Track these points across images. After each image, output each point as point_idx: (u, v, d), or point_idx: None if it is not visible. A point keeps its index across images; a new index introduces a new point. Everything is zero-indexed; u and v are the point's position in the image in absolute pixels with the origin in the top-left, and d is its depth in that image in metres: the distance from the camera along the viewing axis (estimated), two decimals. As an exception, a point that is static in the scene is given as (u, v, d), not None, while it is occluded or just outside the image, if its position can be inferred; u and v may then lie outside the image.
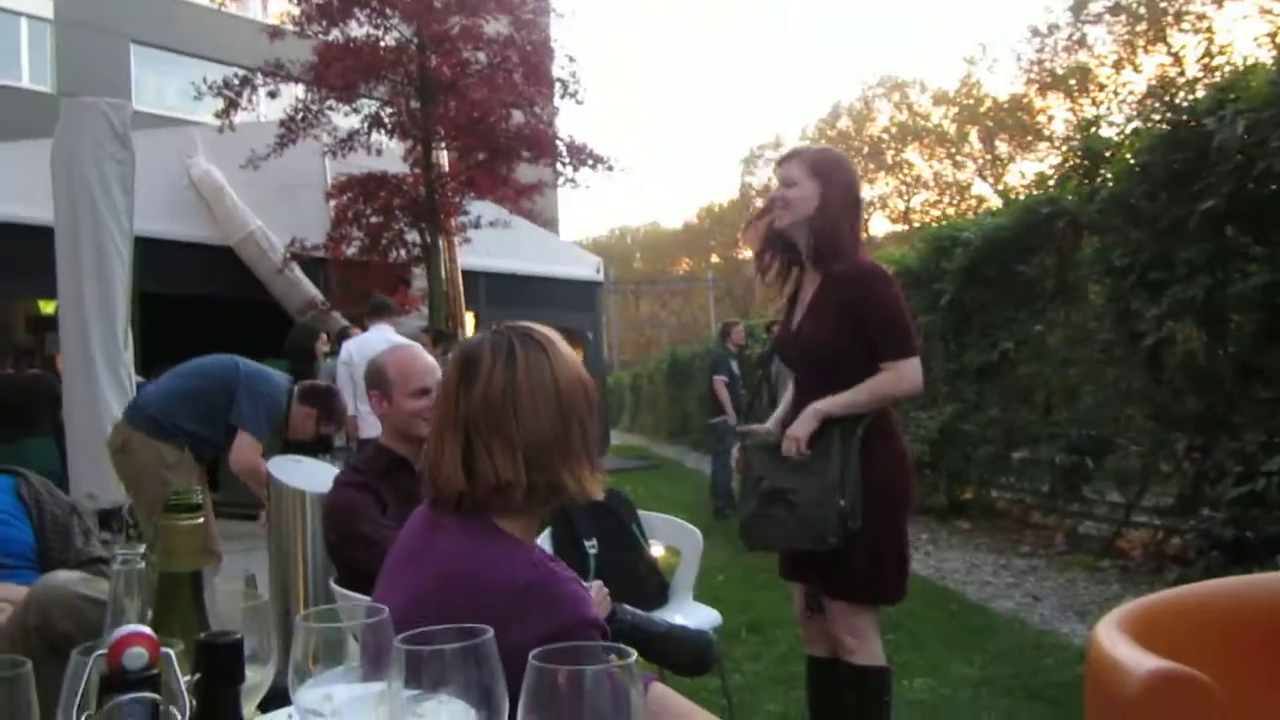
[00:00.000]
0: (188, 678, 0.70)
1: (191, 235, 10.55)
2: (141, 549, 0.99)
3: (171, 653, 0.69)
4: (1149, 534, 6.19)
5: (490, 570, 1.32)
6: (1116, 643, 1.43)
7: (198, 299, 11.15)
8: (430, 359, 2.80)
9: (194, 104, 12.58)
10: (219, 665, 0.71)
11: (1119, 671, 1.33)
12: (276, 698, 1.19)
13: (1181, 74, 5.89)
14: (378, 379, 2.69)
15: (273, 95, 10.80)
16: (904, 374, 2.59)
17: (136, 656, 0.62)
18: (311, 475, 3.50)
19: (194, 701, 0.70)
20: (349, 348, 6.26)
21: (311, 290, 10.82)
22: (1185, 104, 5.44)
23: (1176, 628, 1.56)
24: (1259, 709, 1.51)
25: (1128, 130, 6.08)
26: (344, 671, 0.93)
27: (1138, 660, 1.33)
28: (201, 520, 0.89)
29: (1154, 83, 5.97)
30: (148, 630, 0.64)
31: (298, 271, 10.76)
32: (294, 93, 10.91)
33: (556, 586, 1.32)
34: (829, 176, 2.68)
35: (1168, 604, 1.66)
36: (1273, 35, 5.17)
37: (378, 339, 5.75)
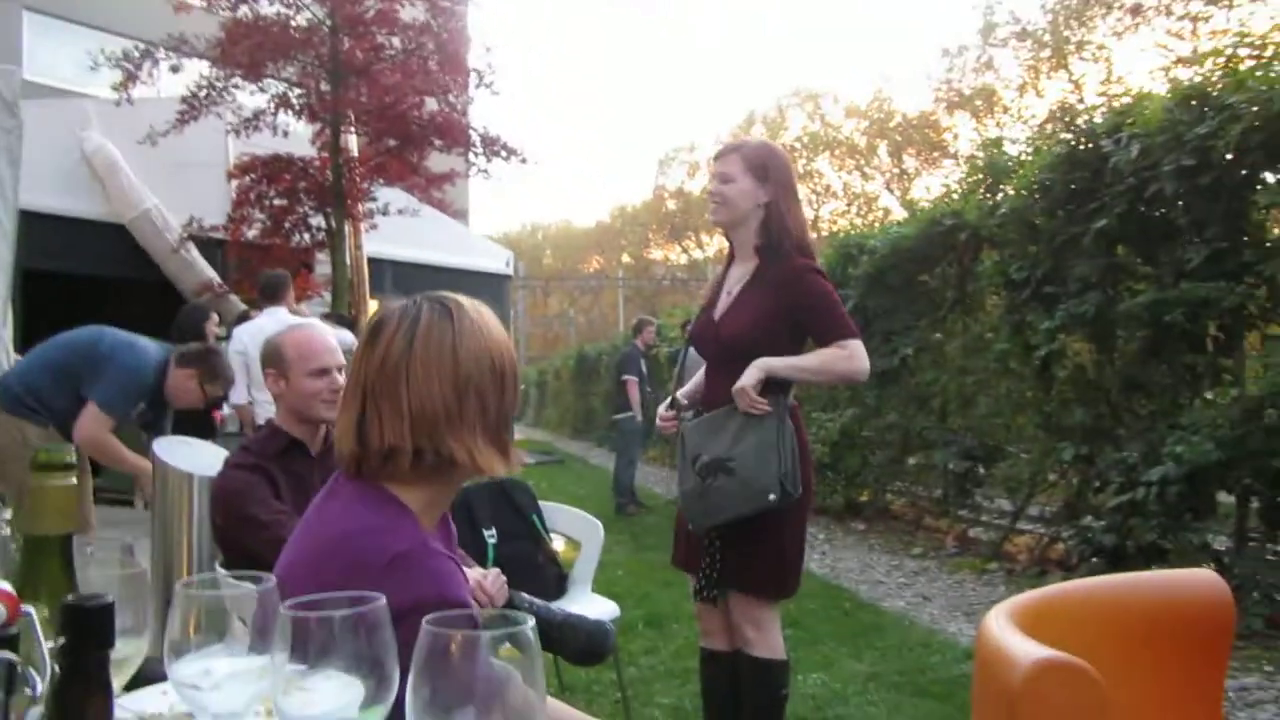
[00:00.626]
0: (51, 643, 0.65)
1: (82, 211, 10.09)
2: (6, 514, 0.92)
3: (33, 612, 0.64)
4: (1034, 539, 6.41)
5: (366, 537, 1.30)
6: (1005, 632, 1.46)
7: (86, 278, 10.65)
8: (331, 339, 2.71)
9: (89, 76, 12.03)
10: (86, 629, 0.66)
11: (1007, 659, 1.36)
12: (151, 680, 1.13)
13: (1081, 101, 6.10)
14: (274, 358, 2.59)
15: (175, 70, 10.38)
16: (856, 353, 2.62)
17: (-9, 613, 0.57)
18: (200, 457, 3.36)
19: (57, 667, 0.65)
20: (241, 334, 5.99)
21: (208, 272, 10.45)
22: (1085, 126, 5.65)
23: (1062, 620, 1.60)
24: (1137, 697, 1.57)
25: (1030, 148, 6.29)
26: (226, 644, 0.88)
27: (1025, 649, 1.36)
28: (74, 481, 0.83)
29: (1055, 108, 6.16)
30: (6, 586, 0.59)
31: (194, 252, 10.38)
32: (198, 69, 10.52)
33: (426, 560, 1.28)
34: (767, 172, 2.69)
35: (1054, 598, 1.71)
36: (1166, 69, 5.38)
37: (271, 324, 5.53)
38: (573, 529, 3.64)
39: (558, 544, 3.63)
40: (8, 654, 0.56)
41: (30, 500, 0.81)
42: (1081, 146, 5.54)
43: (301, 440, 2.57)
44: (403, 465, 1.34)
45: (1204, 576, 1.78)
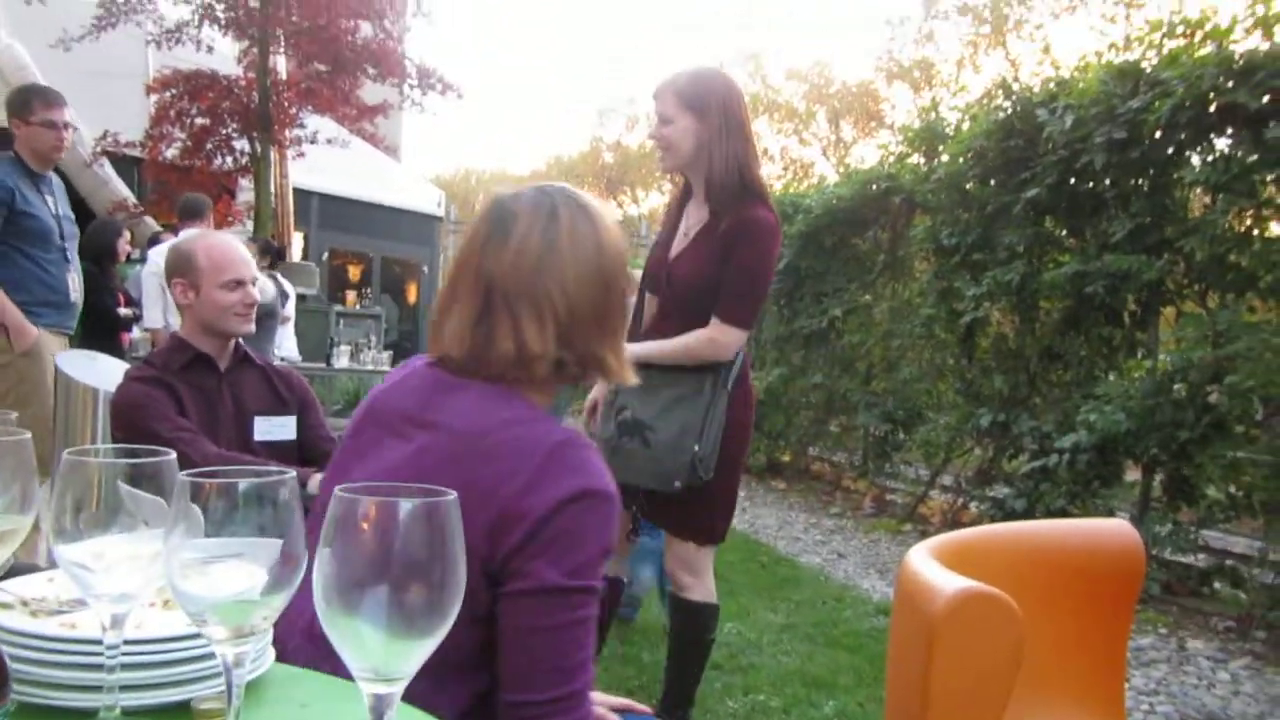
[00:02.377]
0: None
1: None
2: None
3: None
4: (948, 503, 6.55)
5: (519, 427, 1.20)
6: (927, 566, 1.45)
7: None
8: (246, 251, 2.57)
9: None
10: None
11: (928, 590, 1.36)
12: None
13: (1016, 79, 6.15)
14: (184, 266, 2.43)
15: (93, -28, 9.88)
16: (722, 342, 2.51)
17: None
18: (105, 373, 3.22)
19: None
20: (156, 255, 5.77)
21: (123, 190, 10.04)
22: (1022, 95, 5.70)
23: (981, 559, 1.61)
24: (1049, 635, 1.59)
25: (968, 114, 6.33)
26: (121, 524, 0.81)
27: (946, 580, 1.36)
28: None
29: (992, 83, 6.23)
30: None
31: (108, 169, 9.95)
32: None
33: (584, 449, 1.22)
34: (705, 104, 2.50)
35: (975, 539, 1.72)
36: (1100, 54, 5.46)
37: None
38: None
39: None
40: None
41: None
42: (1017, 115, 5.59)
43: (209, 354, 2.45)
44: (539, 372, 1.25)
45: (1117, 525, 1.81)
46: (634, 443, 2.54)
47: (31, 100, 3.71)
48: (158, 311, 5.71)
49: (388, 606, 0.68)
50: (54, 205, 3.78)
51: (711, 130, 2.52)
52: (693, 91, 2.53)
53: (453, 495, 0.69)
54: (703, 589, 2.66)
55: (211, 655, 0.83)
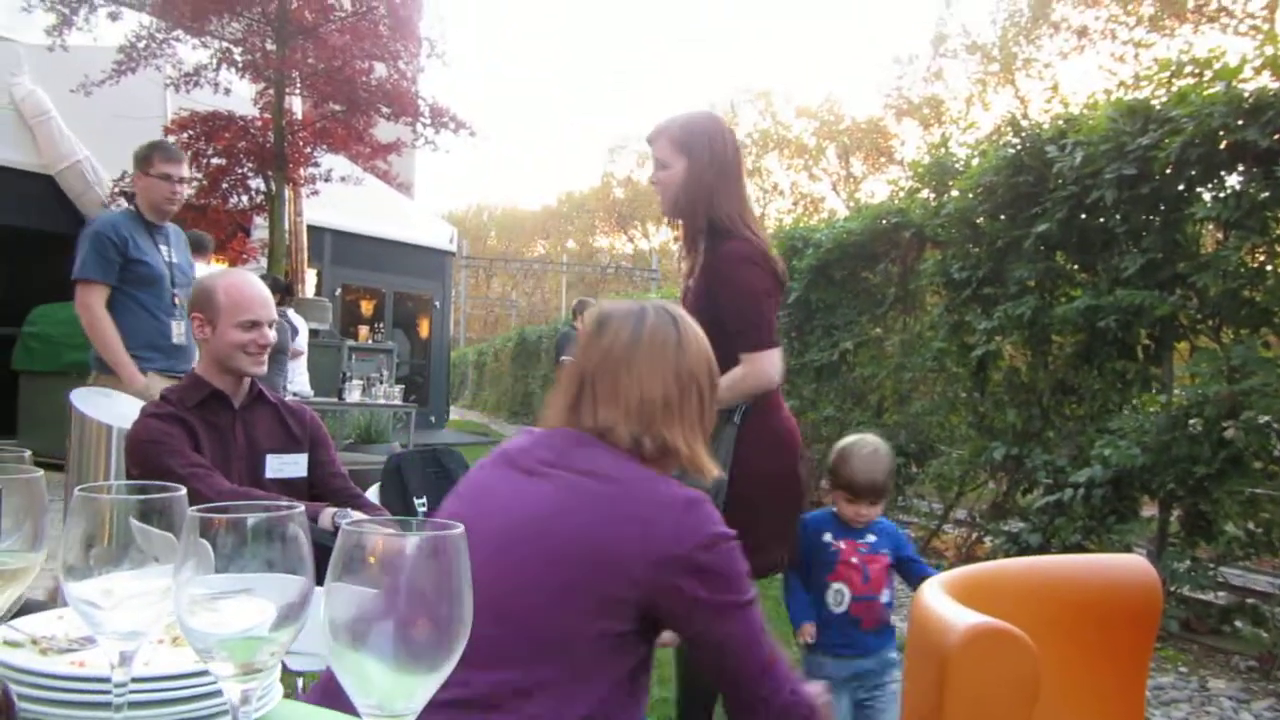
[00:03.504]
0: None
1: (8, 159, 9.72)
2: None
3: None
4: (963, 536, 6.49)
5: (658, 482, 1.40)
6: (940, 600, 1.44)
7: (10, 228, 10.26)
8: (266, 291, 2.60)
9: (22, 19, 11.58)
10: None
11: (941, 625, 1.35)
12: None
13: (1025, 116, 6.19)
14: (203, 302, 2.47)
15: (113, 18, 10.06)
16: (756, 367, 2.46)
17: None
18: (119, 409, 3.24)
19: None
20: None
21: (140, 229, 10.13)
22: (1031, 131, 5.72)
23: (996, 594, 1.60)
24: (1065, 673, 1.56)
25: (977, 151, 6.35)
26: (131, 562, 0.81)
27: (960, 615, 1.34)
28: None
29: (1002, 120, 6.26)
30: None
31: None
32: (137, 18, 10.18)
33: (710, 505, 1.41)
34: (690, 150, 2.51)
35: (990, 573, 1.71)
36: (1109, 93, 5.49)
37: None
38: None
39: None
40: None
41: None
42: (1027, 151, 5.61)
43: (224, 391, 2.47)
44: (617, 442, 1.45)
45: (1134, 561, 1.79)
46: None
47: (152, 154, 3.91)
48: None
49: (394, 642, 0.68)
50: (167, 254, 3.96)
51: (691, 173, 2.52)
52: (680, 133, 2.54)
53: (459, 529, 0.69)
54: None
55: (219, 693, 0.82)
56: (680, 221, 2.64)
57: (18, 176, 9.88)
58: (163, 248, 3.95)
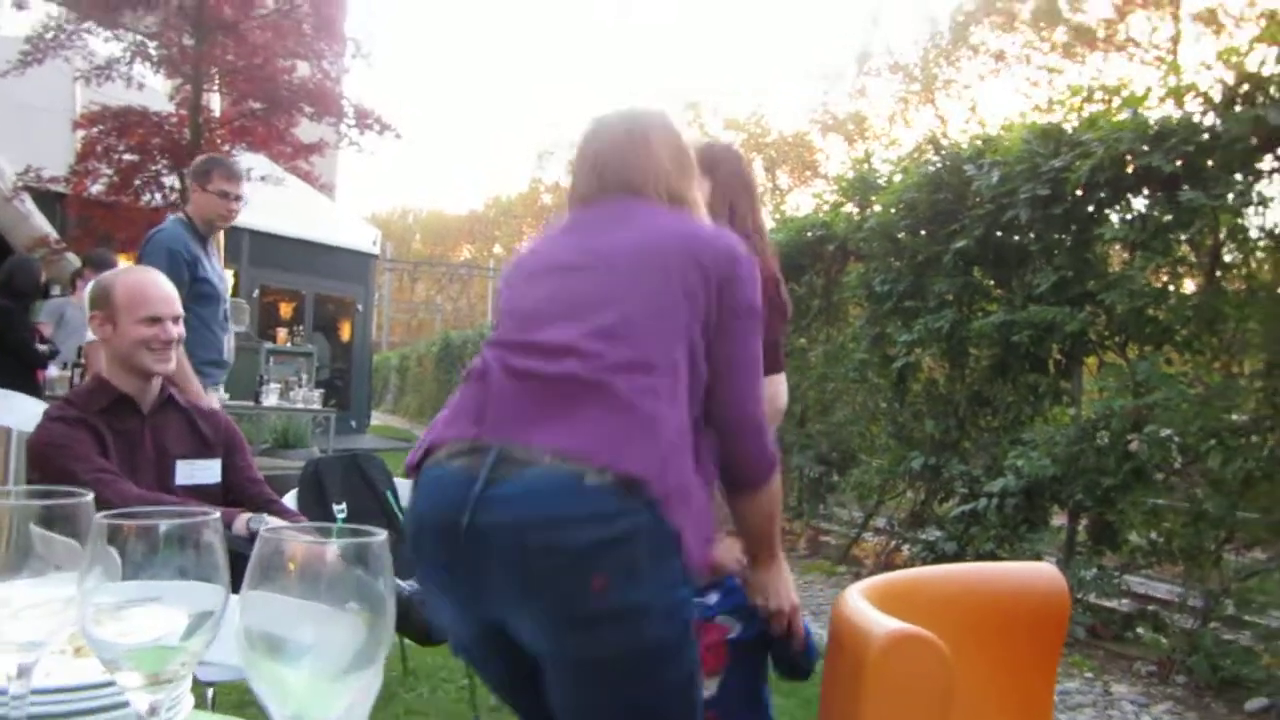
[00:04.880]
0: None
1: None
2: None
3: None
4: (881, 543, 6.61)
5: (721, 235, 1.62)
6: (859, 607, 1.46)
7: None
8: (169, 287, 2.50)
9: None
10: None
11: (860, 632, 1.37)
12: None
13: (945, 135, 6.37)
14: (102, 299, 2.37)
15: (19, 7, 9.68)
16: (770, 391, 2.30)
17: None
18: (19, 411, 3.12)
19: None
20: (88, 290, 5.63)
21: (45, 226, 9.78)
22: (950, 150, 5.87)
23: (912, 600, 1.63)
24: (977, 676, 1.60)
25: (899, 167, 6.49)
26: (31, 569, 0.78)
27: (878, 621, 1.36)
28: None
29: (923, 139, 6.42)
30: None
31: (29, 204, 9.70)
32: (45, 9, 9.82)
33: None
34: (715, 170, 2.41)
35: (906, 580, 1.74)
36: (1024, 115, 5.67)
37: None
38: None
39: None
40: None
41: None
42: (946, 169, 5.75)
43: (131, 395, 2.38)
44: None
45: (1044, 569, 1.84)
46: None
47: (212, 170, 3.91)
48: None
49: (313, 650, 0.66)
50: (219, 267, 4.00)
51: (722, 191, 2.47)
52: (706, 157, 2.50)
53: (382, 537, 0.68)
54: None
55: (125, 704, 0.79)
56: None
57: (-87, 168, 9.46)
58: (215, 262, 3.98)
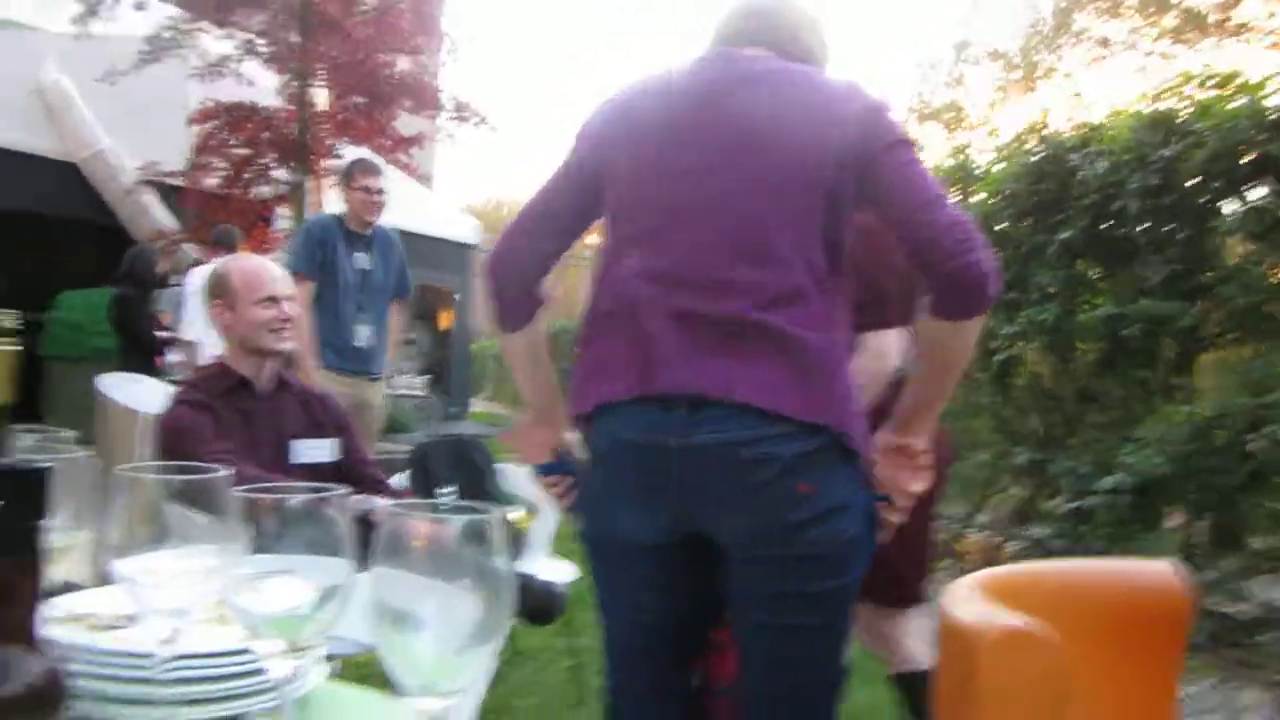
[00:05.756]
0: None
1: (32, 146, 9.75)
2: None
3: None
4: (986, 539, 6.46)
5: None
6: (970, 603, 1.43)
7: (33, 215, 10.30)
8: (280, 270, 2.59)
9: (46, 7, 11.66)
10: (18, 492, 0.59)
11: (971, 626, 1.34)
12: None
13: (1046, 125, 6.17)
14: (220, 287, 2.47)
15: (139, 8, 10.10)
16: (879, 350, 2.17)
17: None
18: (145, 394, 3.26)
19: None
20: (197, 277, 5.84)
21: (163, 218, 10.18)
22: (1054, 140, 5.69)
23: (1025, 594, 1.59)
24: (1095, 677, 1.55)
25: (999, 156, 6.32)
26: (175, 540, 0.81)
27: (990, 615, 1.33)
28: (19, 348, 0.76)
29: (1024, 128, 6.25)
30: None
31: (149, 197, 10.10)
32: (163, 10, 10.22)
33: None
34: None
35: (1019, 575, 1.70)
36: (1131, 105, 5.47)
37: None
38: (530, 492, 3.56)
39: (517, 511, 3.55)
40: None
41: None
42: (1049, 159, 5.58)
43: (248, 378, 2.47)
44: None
45: (1164, 567, 1.78)
46: None
47: (353, 170, 4.34)
48: (200, 326, 5.69)
49: (438, 624, 0.68)
50: (366, 261, 4.32)
51: None
52: None
53: (500, 513, 0.69)
54: (900, 658, 2.40)
55: (261, 670, 0.83)
56: None
57: (42, 164, 9.90)
58: (359, 255, 4.29)
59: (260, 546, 0.74)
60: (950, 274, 1.46)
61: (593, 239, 1.89)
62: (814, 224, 1.50)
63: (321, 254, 4.15)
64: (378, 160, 4.49)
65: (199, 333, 5.60)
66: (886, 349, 2.15)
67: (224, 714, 0.90)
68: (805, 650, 1.52)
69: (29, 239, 10.47)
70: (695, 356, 1.46)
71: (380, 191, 4.30)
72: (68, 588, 1.01)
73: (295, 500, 0.74)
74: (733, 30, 1.67)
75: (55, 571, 0.84)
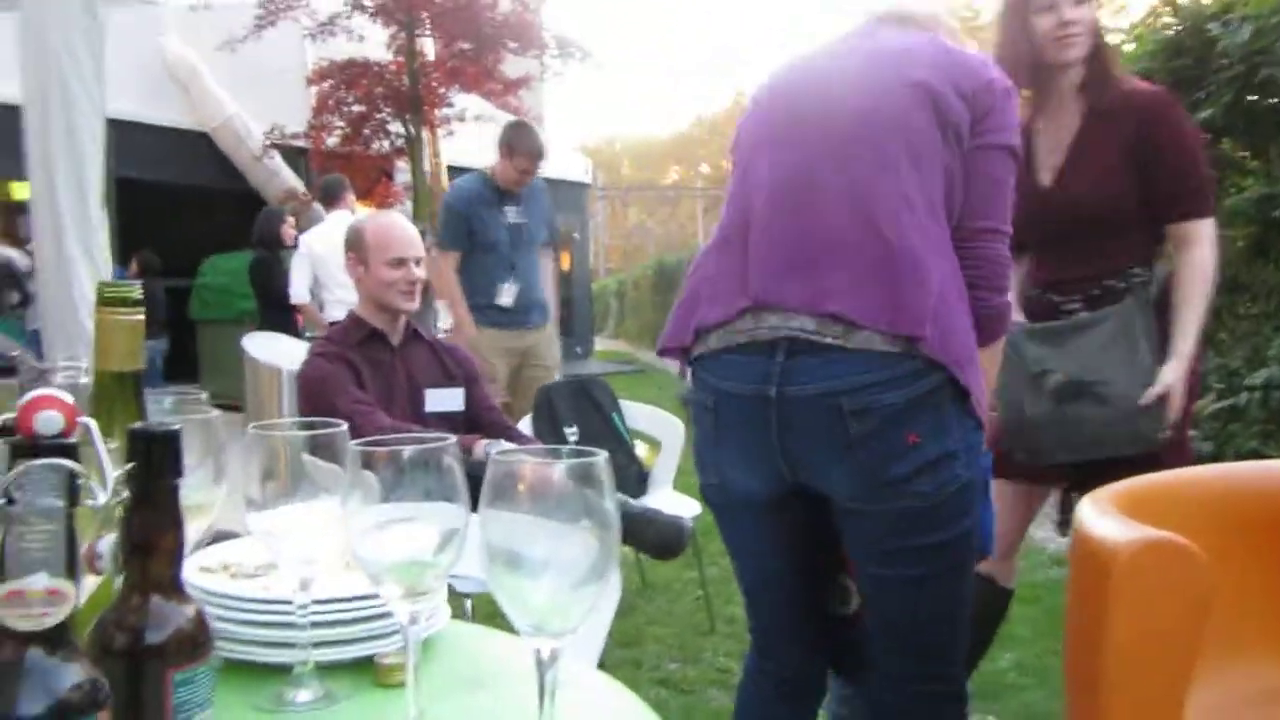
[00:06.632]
0: (118, 471, 0.64)
1: (167, 119, 10.22)
2: (84, 363, 0.92)
3: (92, 423, 0.62)
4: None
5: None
6: (1104, 515, 1.39)
7: (174, 186, 10.85)
8: (413, 231, 2.69)
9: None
10: (154, 454, 0.64)
11: (1105, 540, 1.30)
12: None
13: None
14: (355, 242, 2.61)
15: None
16: (1213, 240, 2.11)
17: (49, 420, 0.55)
18: (286, 352, 3.43)
19: (125, 492, 0.63)
20: (306, 239, 5.99)
21: (291, 180, 10.57)
22: (1192, 8, 5.29)
23: (1163, 505, 1.53)
24: (1239, 583, 1.49)
25: (1130, 35, 5.92)
26: (306, 492, 0.87)
27: (1124, 528, 1.29)
28: (141, 318, 0.82)
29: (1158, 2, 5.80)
30: (63, 395, 0.57)
31: (278, 160, 10.49)
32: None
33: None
34: None
35: (1155, 484, 1.64)
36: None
37: (334, 229, 5.31)
38: (654, 428, 3.62)
39: (640, 448, 3.62)
40: (67, 462, 0.54)
41: (98, 337, 0.80)
42: (1186, 31, 5.19)
43: (382, 330, 2.58)
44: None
45: (1318, 466, 1.68)
46: (1087, 407, 2.10)
47: (517, 146, 4.43)
48: (303, 288, 5.83)
49: (547, 564, 0.70)
50: (515, 215, 4.45)
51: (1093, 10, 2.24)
52: None
53: (603, 456, 0.70)
54: None
55: (389, 613, 0.88)
56: (1066, 72, 2.19)
57: (178, 136, 10.39)
58: (510, 209, 4.41)
59: (382, 495, 0.78)
60: (981, 307, 1.52)
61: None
62: (935, 161, 1.51)
63: (467, 223, 4.31)
64: (536, 132, 4.59)
65: (302, 293, 5.77)
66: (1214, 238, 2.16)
67: (358, 655, 0.96)
68: (922, 596, 1.51)
69: (171, 209, 11.03)
70: (783, 261, 1.50)
71: (531, 172, 4.47)
72: (219, 537, 1.09)
73: (409, 450, 0.77)
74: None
75: (200, 524, 0.90)
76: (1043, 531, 4.88)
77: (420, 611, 0.79)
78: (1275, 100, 4.79)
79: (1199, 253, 2.11)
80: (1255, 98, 4.85)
